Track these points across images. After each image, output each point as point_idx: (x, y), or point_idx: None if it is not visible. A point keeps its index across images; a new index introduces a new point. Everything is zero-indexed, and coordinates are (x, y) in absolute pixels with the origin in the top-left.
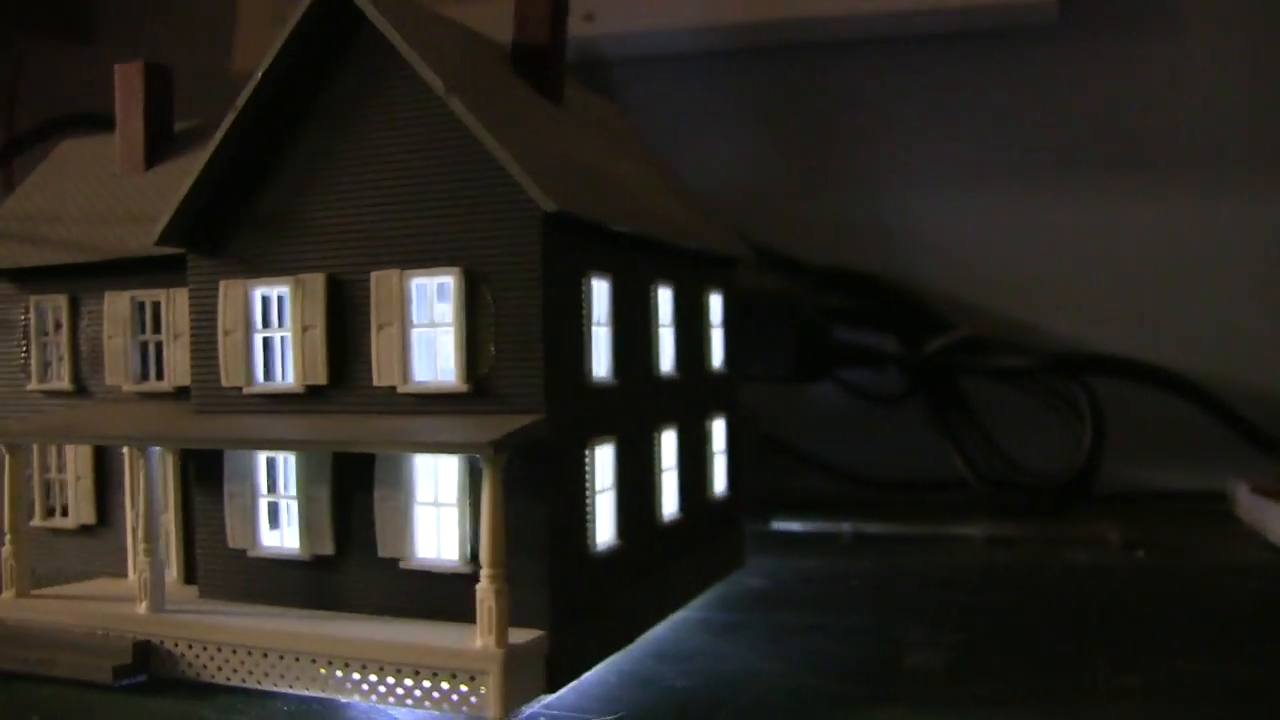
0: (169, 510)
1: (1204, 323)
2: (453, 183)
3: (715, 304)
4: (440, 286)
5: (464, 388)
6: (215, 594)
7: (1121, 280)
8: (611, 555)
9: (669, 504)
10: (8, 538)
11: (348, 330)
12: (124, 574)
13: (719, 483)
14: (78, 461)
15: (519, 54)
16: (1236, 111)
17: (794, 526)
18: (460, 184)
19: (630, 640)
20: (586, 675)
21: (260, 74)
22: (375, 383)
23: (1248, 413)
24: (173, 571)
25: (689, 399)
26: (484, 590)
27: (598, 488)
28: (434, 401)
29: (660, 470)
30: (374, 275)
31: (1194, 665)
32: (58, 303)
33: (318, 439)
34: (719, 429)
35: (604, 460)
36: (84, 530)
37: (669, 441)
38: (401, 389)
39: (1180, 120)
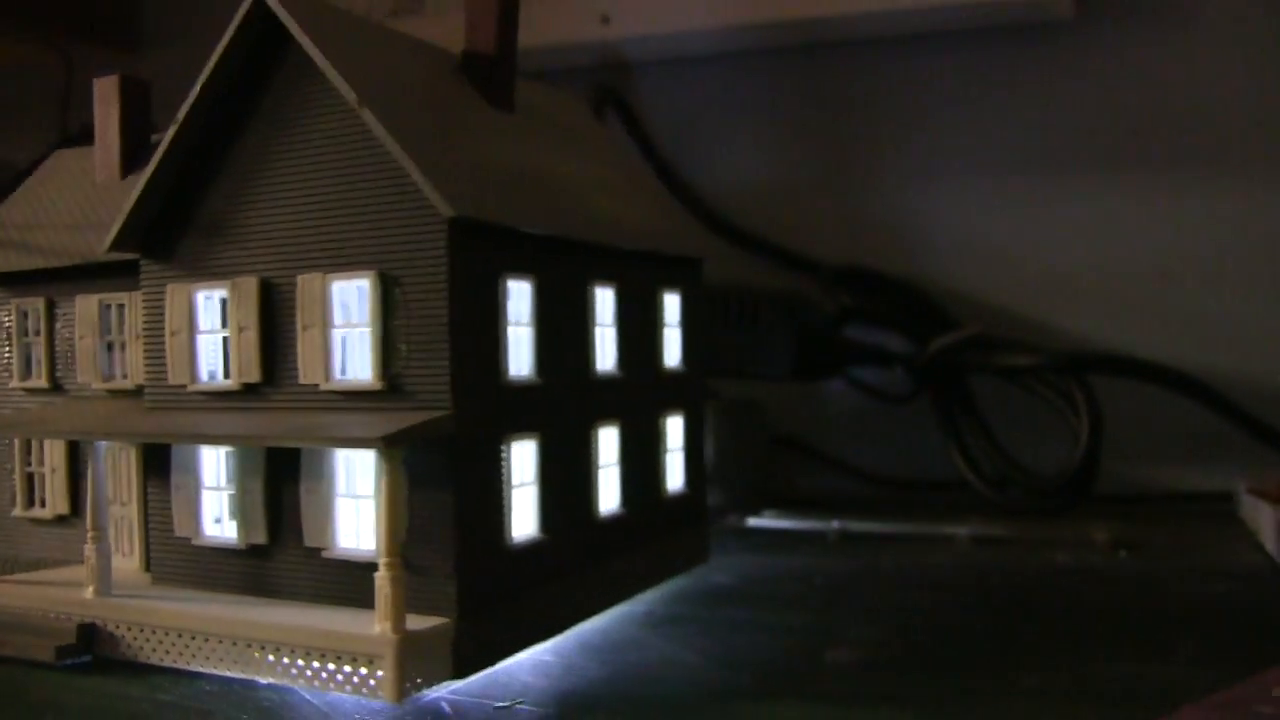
0: (132, 502)
1: (1221, 321)
2: (368, 190)
3: (672, 303)
4: (358, 289)
5: (379, 385)
6: (165, 580)
7: (1138, 278)
8: (532, 548)
9: (608, 500)
10: None
11: (279, 331)
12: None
13: (675, 479)
14: (53, 455)
15: (469, 63)
16: (1254, 107)
17: (783, 524)
18: (374, 191)
19: (556, 631)
20: (506, 663)
21: (199, 87)
22: (301, 381)
23: (1264, 414)
24: (135, 559)
25: (635, 397)
26: (381, 578)
27: (516, 482)
28: (354, 398)
29: (597, 466)
30: (299, 278)
31: (1110, 667)
32: (37, 305)
33: (229, 434)
34: (675, 427)
35: (524, 456)
36: (59, 520)
37: (608, 439)
38: (324, 386)
39: (1197, 116)
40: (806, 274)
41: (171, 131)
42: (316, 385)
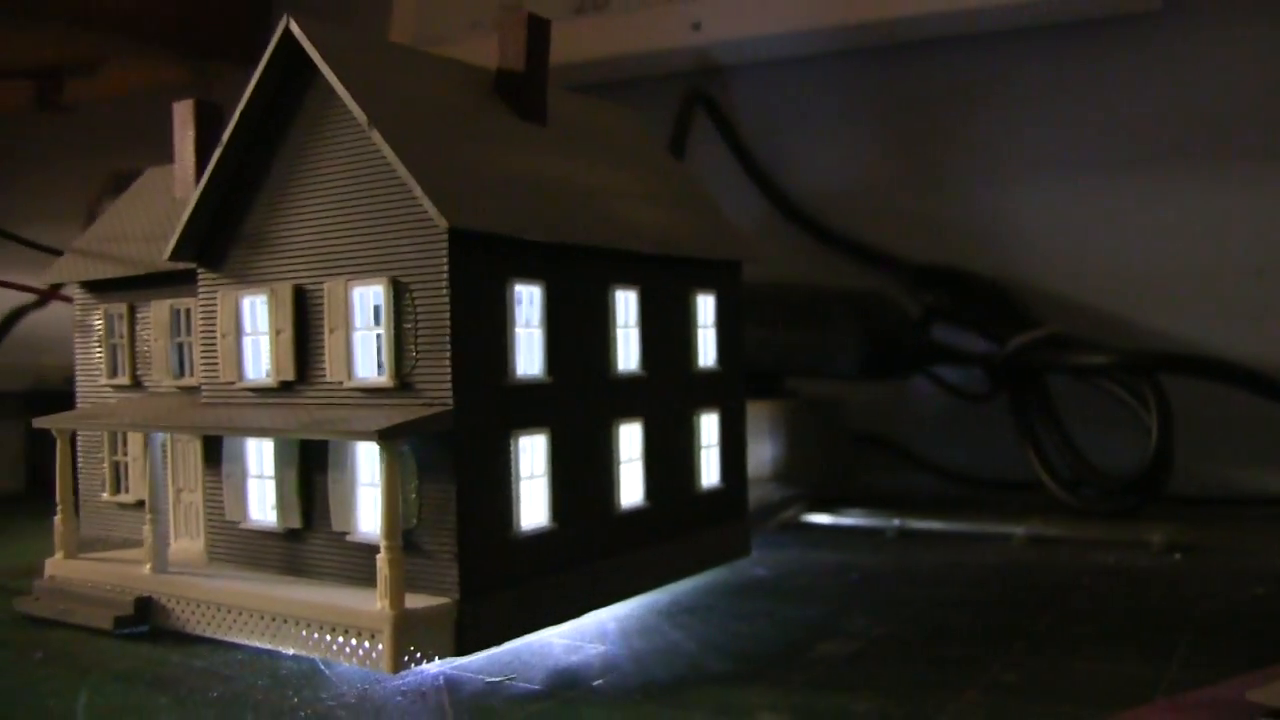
0: (198, 490)
1: None
2: (383, 203)
3: (706, 305)
4: (374, 295)
5: (391, 383)
6: (219, 560)
7: (1227, 276)
8: (543, 537)
9: (630, 493)
10: (59, 509)
11: (310, 333)
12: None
13: (709, 475)
14: (135, 445)
15: (501, 79)
16: None
17: (844, 520)
18: (388, 204)
19: (569, 616)
20: (515, 643)
21: (239, 112)
22: (329, 378)
23: None
24: (201, 541)
25: (662, 396)
26: (381, 560)
27: (525, 474)
28: (372, 395)
29: (618, 461)
30: (326, 285)
31: (1095, 666)
32: (121, 310)
33: (253, 426)
34: (709, 424)
35: (533, 450)
36: (140, 504)
37: (630, 435)
38: (346, 384)
39: None
40: (890, 273)
41: (217, 154)
42: (340, 382)
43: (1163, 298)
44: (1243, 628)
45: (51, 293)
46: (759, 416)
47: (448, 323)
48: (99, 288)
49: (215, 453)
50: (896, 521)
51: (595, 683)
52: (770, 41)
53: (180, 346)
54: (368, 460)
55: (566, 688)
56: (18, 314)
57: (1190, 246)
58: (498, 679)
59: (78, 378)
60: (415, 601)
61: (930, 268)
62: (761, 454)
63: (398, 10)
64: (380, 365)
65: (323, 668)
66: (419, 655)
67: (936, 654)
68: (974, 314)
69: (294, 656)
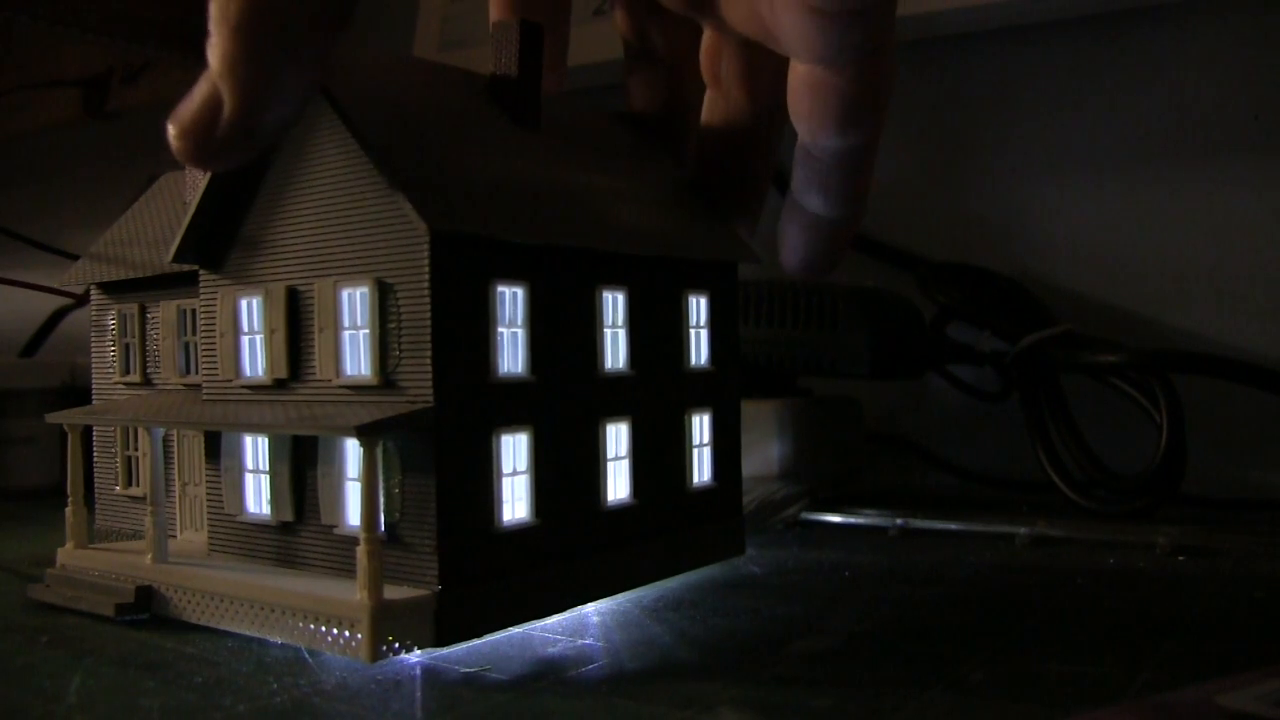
0: (202, 484)
1: None
2: (370, 206)
3: (699, 306)
4: (360, 295)
5: (376, 381)
6: (218, 551)
7: (1251, 274)
8: (524, 532)
9: (617, 490)
10: (69, 501)
11: (303, 332)
12: (174, 533)
13: (702, 474)
14: (144, 441)
15: (495, 85)
16: None
17: (848, 519)
18: (374, 207)
19: (552, 610)
20: (496, 636)
21: None
22: (318, 376)
23: None
24: (204, 533)
25: (652, 395)
26: (360, 551)
27: (507, 470)
28: (360, 392)
29: (604, 459)
30: (316, 285)
31: (1064, 666)
32: (132, 311)
33: (239, 422)
34: (701, 424)
35: (515, 446)
36: None
37: (617, 433)
38: (335, 382)
39: None
40: (905, 270)
41: None
42: (329, 380)
43: (1182, 295)
44: (1233, 632)
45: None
46: (768, 415)
47: (429, 322)
48: (113, 289)
49: (215, 448)
50: (899, 520)
51: (567, 674)
52: None
53: (187, 346)
54: (355, 456)
55: (536, 679)
56: (59, 315)
57: (1210, 244)
58: (473, 670)
59: (94, 375)
60: (396, 593)
61: (945, 265)
62: (770, 452)
63: (423, 17)
64: (366, 364)
65: (307, 656)
66: (398, 645)
67: (910, 652)
68: (989, 312)
69: (281, 646)
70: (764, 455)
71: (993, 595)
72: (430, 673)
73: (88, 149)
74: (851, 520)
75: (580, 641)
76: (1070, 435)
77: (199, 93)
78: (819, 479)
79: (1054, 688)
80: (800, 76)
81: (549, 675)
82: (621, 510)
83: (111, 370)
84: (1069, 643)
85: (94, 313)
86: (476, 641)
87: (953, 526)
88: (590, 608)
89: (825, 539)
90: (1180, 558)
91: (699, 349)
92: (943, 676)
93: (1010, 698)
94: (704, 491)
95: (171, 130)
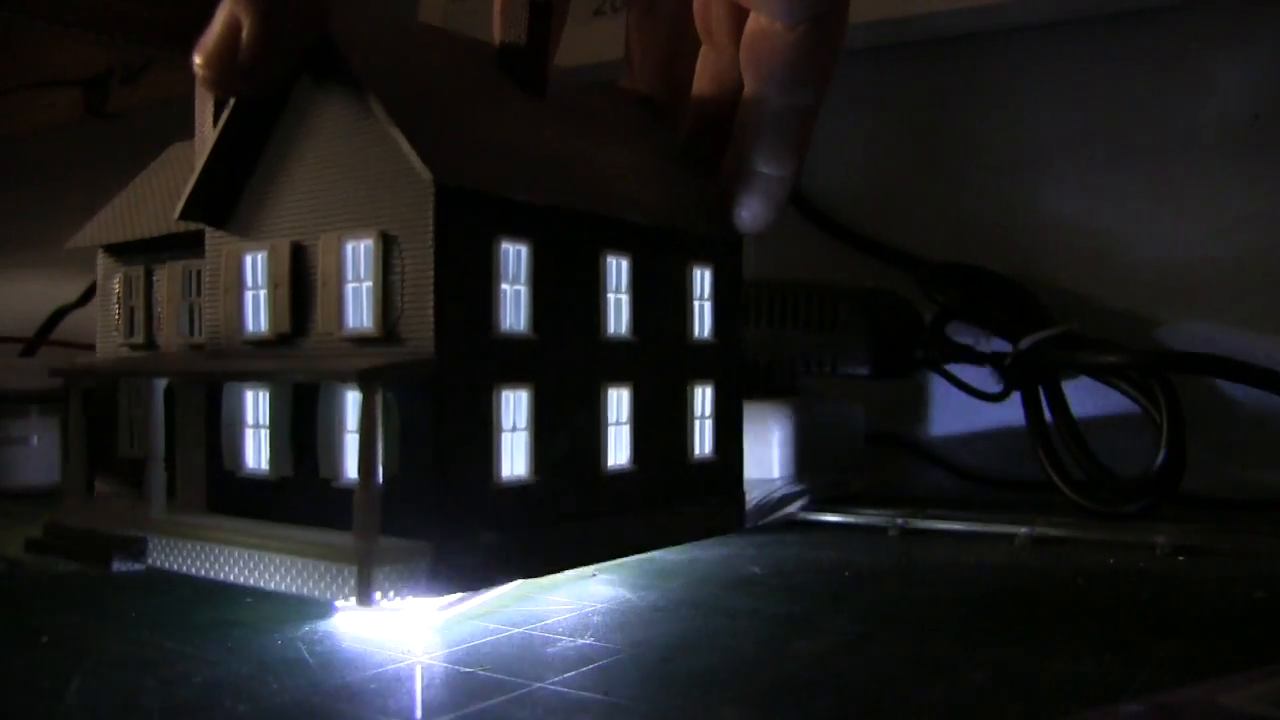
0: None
1: None
2: (375, 161)
3: (703, 278)
4: (365, 248)
5: (379, 333)
6: (218, 507)
7: (1257, 275)
8: (522, 489)
9: (617, 456)
10: (69, 458)
11: (305, 286)
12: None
13: (702, 446)
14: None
15: (504, 53)
16: None
17: (850, 519)
18: (381, 162)
19: (547, 570)
20: (486, 627)
21: None
22: (321, 330)
23: None
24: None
25: (655, 363)
26: (357, 498)
27: (507, 426)
28: (362, 345)
29: (604, 423)
30: (321, 239)
31: (1064, 665)
32: (138, 274)
33: (235, 370)
34: (703, 396)
35: (515, 403)
36: None
37: (619, 398)
38: (337, 335)
39: None
40: (905, 270)
41: (224, 119)
42: (331, 334)
43: (1182, 295)
44: (1233, 632)
45: None
46: (768, 415)
47: (432, 275)
48: (118, 252)
49: (216, 405)
50: (900, 520)
51: (567, 674)
52: None
53: (190, 307)
54: (354, 408)
55: (534, 680)
56: (59, 315)
57: (1210, 244)
58: (473, 669)
59: (98, 338)
60: (392, 543)
61: (946, 266)
62: (770, 452)
63: None
64: (369, 316)
65: (307, 656)
66: (391, 592)
67: (910, 653)
68: (990, 313)
69: (281, 645)
70: (764, 455)
71: (994, 595)
72: (430, 672)
73: (88, 149)
74: (851, 520)
75: (580, 641)
76: (1070, 435)
77: (219, 19)
78: (822, 479)
79: (1054, 688)
80: (757, 28)
81: (545, 677)
82: (621, 475)
83: (115, 333)
84: (1069, 643)
85: (101, 277)
86: (476, 641)
87: (952, 527)
88: (590, 608)
89: (826, 538)
90: (1180, 558)
91: (703, 321)
92: (942, 676)
93: (1010, 698)
94: (704, 464)
95: (197, 60)
